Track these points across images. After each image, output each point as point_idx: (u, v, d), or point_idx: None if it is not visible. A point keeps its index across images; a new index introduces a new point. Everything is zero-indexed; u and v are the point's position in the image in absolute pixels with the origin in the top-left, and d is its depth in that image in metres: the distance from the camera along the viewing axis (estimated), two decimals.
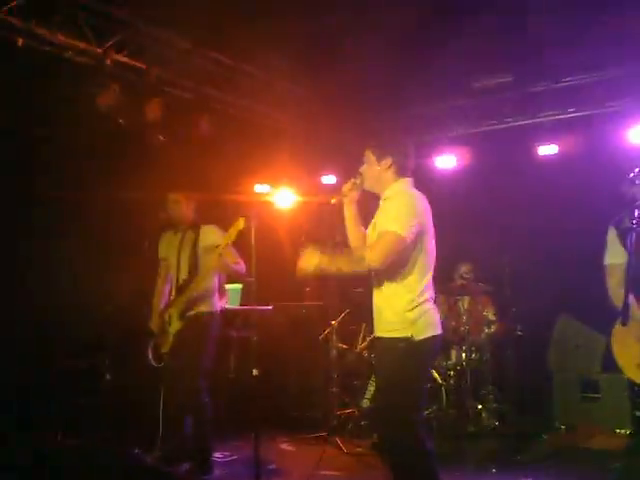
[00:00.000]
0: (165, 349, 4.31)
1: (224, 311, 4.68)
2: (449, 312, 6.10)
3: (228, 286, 5.29)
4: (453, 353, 5.69)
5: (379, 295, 3.05)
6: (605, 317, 3.41)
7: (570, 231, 5.34)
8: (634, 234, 2.83)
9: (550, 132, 5.73)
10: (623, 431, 4.78)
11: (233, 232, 3.89)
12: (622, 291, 3.13)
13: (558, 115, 5.73)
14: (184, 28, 4.83)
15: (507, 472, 4.45)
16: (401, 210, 2.93)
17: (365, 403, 5.51)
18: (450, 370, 5.54)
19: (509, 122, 6.01)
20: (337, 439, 5.20)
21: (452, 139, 6.28)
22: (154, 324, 4.41)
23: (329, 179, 7.04)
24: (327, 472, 4.44)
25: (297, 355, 6.38)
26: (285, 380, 6.41)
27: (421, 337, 2.89)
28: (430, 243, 3.03)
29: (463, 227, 6.38)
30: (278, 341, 6.45)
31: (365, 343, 5.82)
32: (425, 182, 6.35)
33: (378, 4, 4.65)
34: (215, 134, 5.54)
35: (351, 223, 3.20)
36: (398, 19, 4.73)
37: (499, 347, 5.77)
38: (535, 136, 5.87)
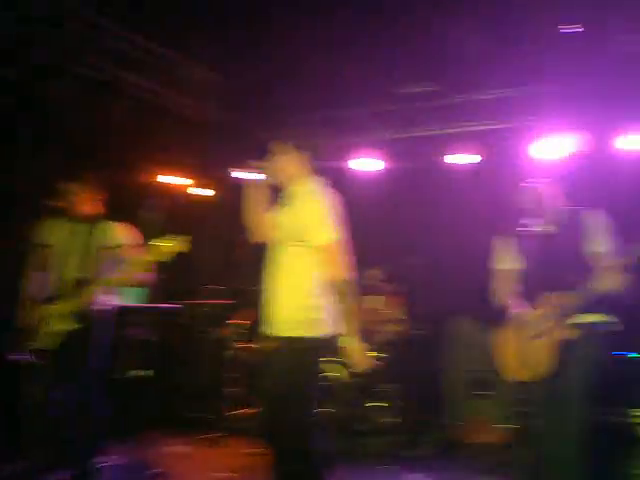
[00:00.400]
0: (40, 346, 3.84)
1: (123, 309, 4.35)
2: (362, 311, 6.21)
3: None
4: None
5: (280, 292, 3.01)
6: (500, 319, 3.53)
7: (475, 237, 5.59)
8: (522, 241, 2.95)
9: (466, 142, 5.94)
10: (510, 426, 5.05)
11: (167, 251, 3.52)
12: (507, 295, 3.34)
13: (475, 126, 5.97)
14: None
15: (400, 467, 4.63)
16: (328, 214, 2.98)
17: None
18: (347, 368, 5.62)
19: (426, 130, 6.20)
20: (233, 439, 5.18)
21: (371, 144, 6.38)
22: (25, 315, 3.92)
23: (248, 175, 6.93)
24: (222, 474, 4.36)
25: (198, 355, 6.24)
26: (184, 380, 6.19)
27: (319, 335, 2.92)
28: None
29: (381, 229, 6.57)
30: (179, 340, 6.29)
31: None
32: (343, 185, 6.55)
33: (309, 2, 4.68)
34: (129, 121, 5.32)
35: (254, 208, 3.22)
36: (328, 19, 4.79)
37: (398, 346, 5.95)
38: (450, 145, 6.06)
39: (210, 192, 6.96)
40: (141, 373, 3.25)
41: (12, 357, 3.86)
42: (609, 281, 3.01)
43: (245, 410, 5.63)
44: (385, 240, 6.53)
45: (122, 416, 4.55)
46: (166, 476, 4.30)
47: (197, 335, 6.22)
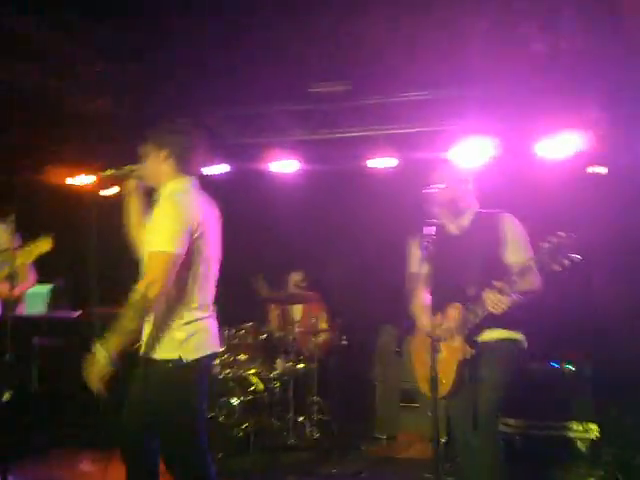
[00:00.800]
0: None
1: (21, 318, 4.19)
2: (279, 321, 6.00)
3: (32, 289, 4.68)
4: (279, 363, 5.54)
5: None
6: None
7: (396, 243, 5.46)
8: (424, 248, 2.84)
9: (383, 146, 5.81)
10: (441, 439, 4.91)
11: (35, 251, 3.37)
12: (423, 303, 3.21)
13: (392, 130, 5.84)
14: None
15: None
16: (165, 221, 2.64)
17: None
18: (275, 381, 5.40)
19: (343, 132, 6.02)
20: None
21: (288, 144, 6.15)
22: None
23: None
24: None
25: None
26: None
27: (191, 358, 2.64)
28: (209, 250, 2.77)
29: (297, 234, 6.34)
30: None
31: None
32: (259, 186, 6.32)
33: None
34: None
35: (128, 217, 3.00)
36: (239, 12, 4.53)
37: (325, 357, 5.75)
38: (367, 148, 5.91)
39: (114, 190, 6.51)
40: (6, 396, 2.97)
41: None
42: (524, 284, 2.92)
43: None
44: (304, 244, 6.33)
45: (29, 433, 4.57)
46: None
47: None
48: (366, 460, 5.05)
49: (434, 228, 2.86)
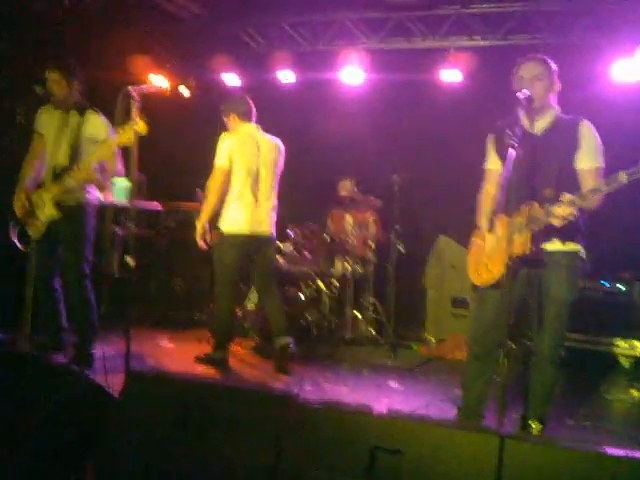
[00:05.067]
0: (35, 235, 4.06)
1: (108, 205, 4.60)
2: (335, 223, 6.29)
3: (116, 179, 5.03)
4: (338, 264, 5.88)
5: None
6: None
7: (461, 158, 5.54)
8: (511, 151, 2.80)
9: (455, 58, 5.79)
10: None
11: (130, 133, 3.45)
12: (490, 199, 3.29)
13: (465, 41, 5.81)
14: None
15: (377, 375, 4.77)
16: (218, 146, 4.49)
17: (249, 305, 5.64)
18: (333, 279, 5.75)
19: (416, 41, 6.02)
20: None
21: (359, 52, 6.18)
22: (19, 203, 4.09)
23: (230, 78, 6.72)
24: (205, 369, 4.54)
25: (185, 258, 6.33)
26: (172, 282, 6.42)
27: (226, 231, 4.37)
28: (244, 160, 4.49)
29: (358, 143, 6.51)
30: (166, 242, 6.40)
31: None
32: (330, 94, 6.43)
33: None
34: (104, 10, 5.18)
35: None
36: None
37: (381, 261, 6.03)
38: (440, 60, 5.91)
39: (185, 91, 6.73)
40: (127, 260, 3.29)
41: (15, 245, 4.07)
42: (591, 202, 2.92)
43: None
44: (367, 154, 6.49)
45: (112, 311, 4.97)
46: (153, 367, 4.49)
47: (180, 237, 6.26)
48: (417, 358, 5.43)
49: (518, 128, 2.87)
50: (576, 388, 4.74)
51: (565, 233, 3.08)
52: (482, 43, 5.75)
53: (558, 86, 3.24)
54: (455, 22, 5.76)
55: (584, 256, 3.22)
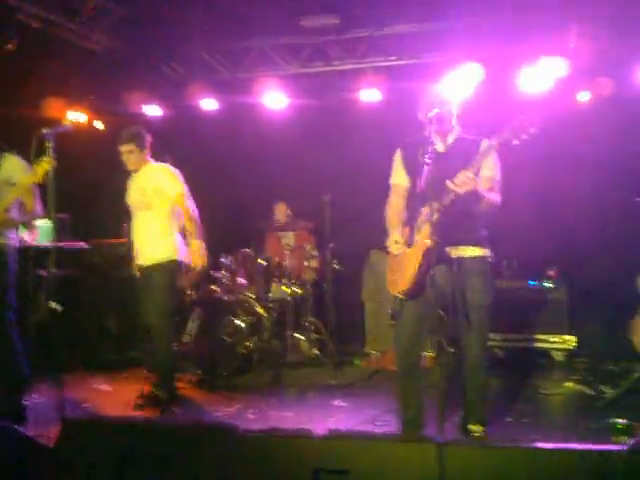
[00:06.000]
0: None
1: (31, 248, 4.53)
2: (272, 247, 6.32)
3: (39, 222, 4.92)
4: (274, 287, 5.91)
5: None
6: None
7: (382, 170, 5.68)
8: (425, 168, 3.03)
9: (373, 78, 5.95)
10: (429, 353, 5.28)
11: (40, 171, 3.50)
12: (397, 212, 3.45)
13: (381, 62, 5.98)
14: None
15: (323, 396, 4.79)
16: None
17: (185, 338, 5.57)
18: (272, 303, 5.76)
19: (334, 65, 6.14)
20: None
21: (278, 78, 6.27)
22: None
23: (152, 109, 6.69)
24: (146, 408, 4.41)
25: (114, 295, 6.17)
26: (103, 321, 6.25)
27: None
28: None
29: (285, 166, 6.58)
30: (94, 280, 6.22)
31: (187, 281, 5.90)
32: (251, 120, 6.47)
33: None
34: (21, 49, 5.08)
35: None
36: None
37: (319, 281, 6.08)
38: (358, 81, 6.05)
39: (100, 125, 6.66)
40: (53, 305, 3.21)
41: None
42: (486, 203, 3.17)
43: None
44: (294, 176, 6.56)
45: (43, 356, 4.54)
46: (89, 411, 4.42)
47: (109, 275, 6.14)
48: (361, 373, 5.49)
49: (430, 146, 3.10)
50: (513, 386, 4.93)
51: (471, 240, 3.31)
52: (397, 63, 5.93)
53: (460, 108, 3.49)
54: (370, 43, 5.92)
55: (491, 259, 3.43)
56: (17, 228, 4.10)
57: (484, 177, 3.26)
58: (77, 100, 6.31)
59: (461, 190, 3.04)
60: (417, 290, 3.22)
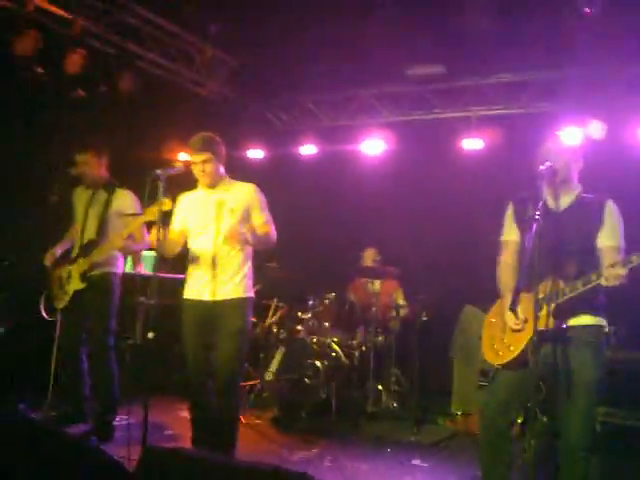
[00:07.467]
0: (60, 305, 4.26)
1: (135, 276, 4.79)
2: (358, 292, 6.25)
3: (145, 252, 5.18)
4: (358, 333, 5.80)
5: None
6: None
7: (483, 224, 5.51)
8: (535, 225, 2.81)
9: (476, 126, 5.87)
10: (518, 419, 4.97)
11: (156, 210, 3.50)
12: (510, 271, 3.21)
13: (485, 111, 5.90)
14: None
15: (401, 452, 4.56)
16: None
17: (268, 376, 5.54)
18: (354, 350, 5.63)
19: (437, 113, 6.12)
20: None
21: (381, 125, 6.32)
22: (51, 277, 4.35)
23: (256, 153, 6.94)
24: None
25: None
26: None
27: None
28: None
29: (382, 212, 6.54)
30: None
31: (275, 317, 5.91)
32: (351, 166, 6.53)
33: None
34: (138, 94, 5.42)
35: None
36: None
37: (405, 331, 5.92)
38: (461, 129, 5.99)
39: None
40: (150, 333, 3.32)
41: (44, 315, 4.34)
42: (612, 278, 2.81)
43: (254, 382, 5.72)
44: (385, 223, 6.51)
45: (133, 380, 4.70)
46: (170, 438, 4.48)
47: None
48: (443, 432, 5.19)
49: (542, 202, 2.88)
50: (621, 474, 4.42)
51: (587, 307, 3.02)
52: (502, 112, 5.82)
53: (581, 163, 3.22)
54: (475, 92, 5.86)
55: (607, 330, 3.12)
56: (126, 257, 4.46)
57: (608, 248, 3.00)
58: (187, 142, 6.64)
59: (612, 284, 2.80)
60: (520, 365, 2.99)
